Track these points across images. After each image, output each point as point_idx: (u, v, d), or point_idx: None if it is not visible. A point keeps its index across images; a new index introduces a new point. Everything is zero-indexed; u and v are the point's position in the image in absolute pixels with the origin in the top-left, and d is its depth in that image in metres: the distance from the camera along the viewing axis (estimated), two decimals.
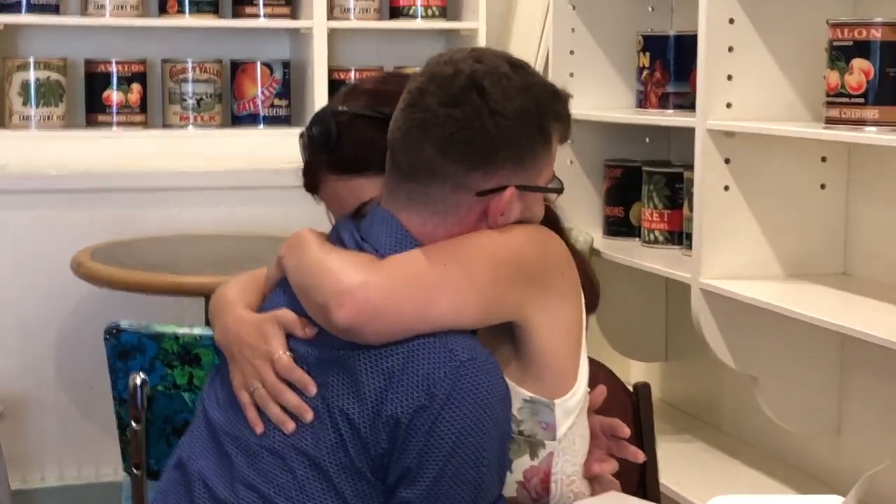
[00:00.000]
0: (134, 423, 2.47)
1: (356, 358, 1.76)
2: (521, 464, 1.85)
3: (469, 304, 1.78)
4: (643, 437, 2.26)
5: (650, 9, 3.75)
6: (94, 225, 3.93)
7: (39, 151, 4.05)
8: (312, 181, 2.02)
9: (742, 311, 2.99)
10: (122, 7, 4.16)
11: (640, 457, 2.00)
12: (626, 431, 1.98)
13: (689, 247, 3.16)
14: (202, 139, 4.25)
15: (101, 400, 3.93)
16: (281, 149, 4.20)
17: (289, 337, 1.84)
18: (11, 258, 3.94)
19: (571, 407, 1.86)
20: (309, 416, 1.77)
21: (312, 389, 1.78)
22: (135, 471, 2.50)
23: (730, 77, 3.00)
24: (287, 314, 1.84)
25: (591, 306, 1.96)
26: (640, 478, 2.26)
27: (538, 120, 1.84)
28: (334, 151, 1.96)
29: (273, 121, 4.35)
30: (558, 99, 1.88)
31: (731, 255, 3.02)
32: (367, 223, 1.88)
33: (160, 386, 2.48)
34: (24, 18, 4.07)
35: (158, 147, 4.19)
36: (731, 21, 2.99)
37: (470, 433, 1.73)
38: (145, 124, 4.25)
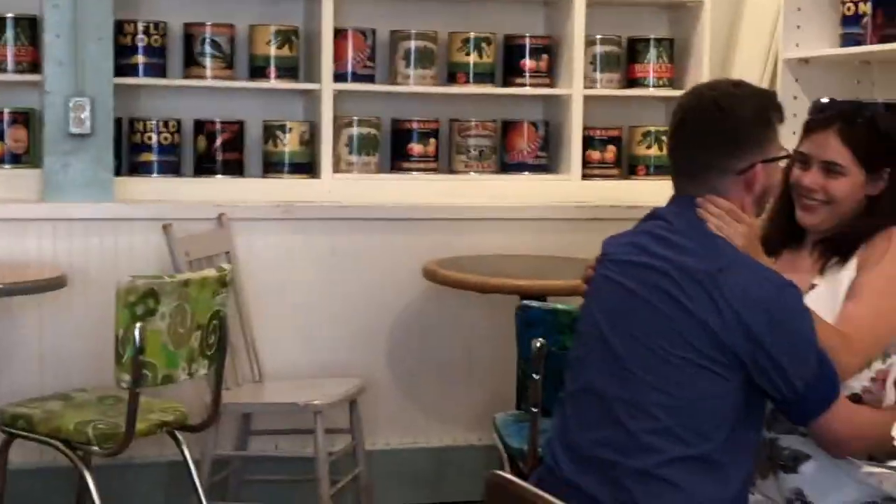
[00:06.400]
0: (534, 375, 3.12)
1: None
2: (875, 366, 2.55)
3: None
4: None
5: (856, 82, 4.35)
6: (419, 245, 4.60)
7: (361, 190, 4.75)
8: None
9: None
10: (422, 77, 4.86)
11: None
12: None
13: None
14: (482, 183, 4.92)
15: (426, 377, 4.66)
16: (543, 190, 4.90)
17: None
18: (356, 271, 4.63)
19: None
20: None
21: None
22: (533, 409, 3.14)
23: None
24: None
25: None
26: None
27: (761, 115, 2.53)
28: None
29: (536, 168, 5.01)
30: (769, 96, 2.62)
31: None
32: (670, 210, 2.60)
33: (554, 347, 3.13)
34: (350, 86, 4.78)
35: (448, 189, 4.87)
36: None
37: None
38: (437, 170, 4.93)
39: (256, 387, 4.36)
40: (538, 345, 3.14)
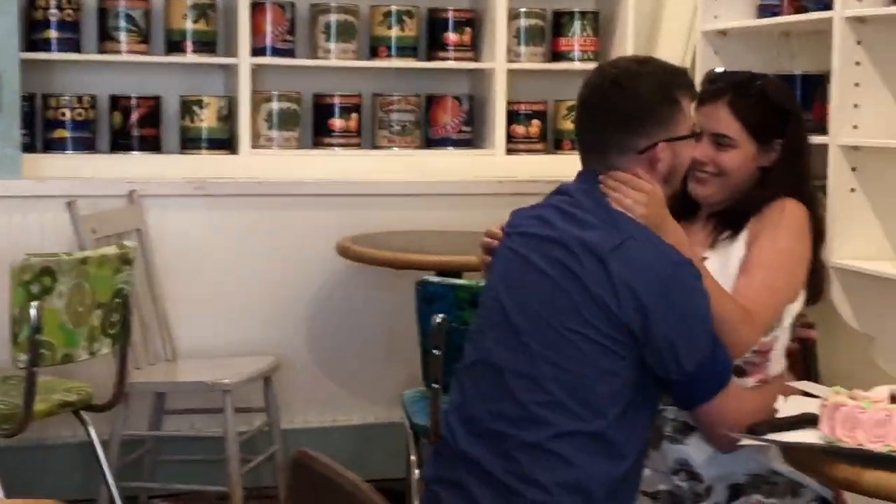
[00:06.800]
0: (435, 351, 3.08)
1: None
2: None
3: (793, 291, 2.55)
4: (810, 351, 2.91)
5: (775, 53, 4.32)
6: (337, 222, 4.55)
7: (280, 166, 4.70)
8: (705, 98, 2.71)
9: (865, 283, 3.56)
10: (343, 51, 4.80)
11: (813, 334, 2.75)
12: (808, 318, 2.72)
13: None
14: (405, 158, 4.88)
15: (345, 355, 4.61)
16: (467, 165, 4.85)
17: None
18: (273, 248, 4.58)
19: (793, 311, 2.54)
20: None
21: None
22: (434, 385, 3.10)
23: (856, 105, 3.59)
24: None
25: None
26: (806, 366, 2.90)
27: (664, 93, 2.46)
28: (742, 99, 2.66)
29: (460, 143, 4.96)
30: (678, 74, 2.53)
31: (856, 242, 3.60)
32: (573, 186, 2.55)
33: (454, 323, 3.09)
34: (268, 60, 4.72)
35: (371, 164, 4.83)
36: (858, 63, 3.58)
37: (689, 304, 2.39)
38: (360, 146, 4.88)
39: (169, 366, 4.30)
40: (438, 320, 3.10)
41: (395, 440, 4.46)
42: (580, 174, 2.52)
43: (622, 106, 2.44)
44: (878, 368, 3.68)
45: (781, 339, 2.55)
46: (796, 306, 2.55)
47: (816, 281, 2.65)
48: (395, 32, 4.84)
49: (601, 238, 2.38)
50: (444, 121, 4.94)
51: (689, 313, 2.36)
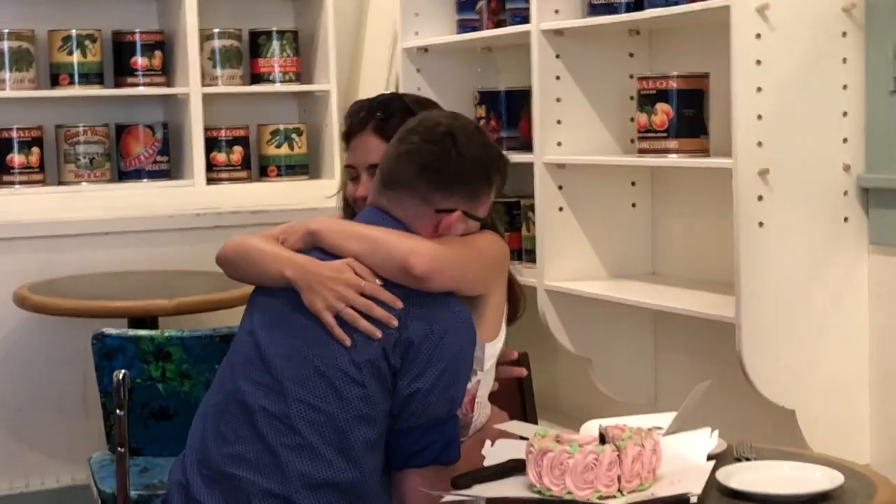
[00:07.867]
0: (118, 410, 2.80)
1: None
2: None
3: (479, 280, 2.32)
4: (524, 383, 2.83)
5: (479, 69, 4.22)
6: (17, 269, 4.19)
7: None
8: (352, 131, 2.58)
9: (578, 305, 3.48)
10: (20, 81, 4.45)
11: (523, 372, 2.63)
12: (514, 355, 2.57)
13: (530, 260, 3.63)
14: (95, 193, 4.56)
15: (36, 414, 4.27)
16: (164, 198, 4.57)
17: None
18: None
19: (494, 351, 2.38)
20: (395, 322, 2.22)
21: (399, 304, 2.24)
22: (119, 449, 2.82)
23: (559, 121, 3.50)
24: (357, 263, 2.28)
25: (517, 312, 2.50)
26: (521, 400, 2.84)
27: (486, 169, 2.36)
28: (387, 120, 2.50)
29: (156, 175, 4.68)
30: (502, 159, 2.42)
31: (567, 262, 3.51)
32: (362, 218, 2.38)
33: (138, 379, 2.83)
34: None
35: (57, 202, 4.48)
36: (558, 78, 3.49)
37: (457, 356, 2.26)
38: (44, 182, 4.53)
39: None
40: (120, 377, 2.83)
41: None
42: (366, 210, 2.39)
43: (446, 159, 2.31)
44: (598, 392, 3.61)
45: (485, 383, 2.39)
46: (497, 347, 2.40)
47: (512, 299, 2.51)
48: (77, 58, 4.51)
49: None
50: (137, 151, 4.64)
51: (449, 367, 2.24)
